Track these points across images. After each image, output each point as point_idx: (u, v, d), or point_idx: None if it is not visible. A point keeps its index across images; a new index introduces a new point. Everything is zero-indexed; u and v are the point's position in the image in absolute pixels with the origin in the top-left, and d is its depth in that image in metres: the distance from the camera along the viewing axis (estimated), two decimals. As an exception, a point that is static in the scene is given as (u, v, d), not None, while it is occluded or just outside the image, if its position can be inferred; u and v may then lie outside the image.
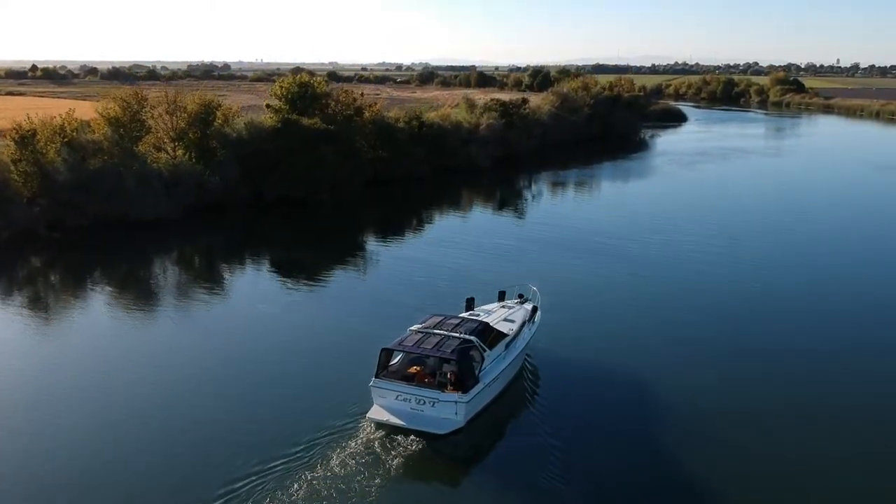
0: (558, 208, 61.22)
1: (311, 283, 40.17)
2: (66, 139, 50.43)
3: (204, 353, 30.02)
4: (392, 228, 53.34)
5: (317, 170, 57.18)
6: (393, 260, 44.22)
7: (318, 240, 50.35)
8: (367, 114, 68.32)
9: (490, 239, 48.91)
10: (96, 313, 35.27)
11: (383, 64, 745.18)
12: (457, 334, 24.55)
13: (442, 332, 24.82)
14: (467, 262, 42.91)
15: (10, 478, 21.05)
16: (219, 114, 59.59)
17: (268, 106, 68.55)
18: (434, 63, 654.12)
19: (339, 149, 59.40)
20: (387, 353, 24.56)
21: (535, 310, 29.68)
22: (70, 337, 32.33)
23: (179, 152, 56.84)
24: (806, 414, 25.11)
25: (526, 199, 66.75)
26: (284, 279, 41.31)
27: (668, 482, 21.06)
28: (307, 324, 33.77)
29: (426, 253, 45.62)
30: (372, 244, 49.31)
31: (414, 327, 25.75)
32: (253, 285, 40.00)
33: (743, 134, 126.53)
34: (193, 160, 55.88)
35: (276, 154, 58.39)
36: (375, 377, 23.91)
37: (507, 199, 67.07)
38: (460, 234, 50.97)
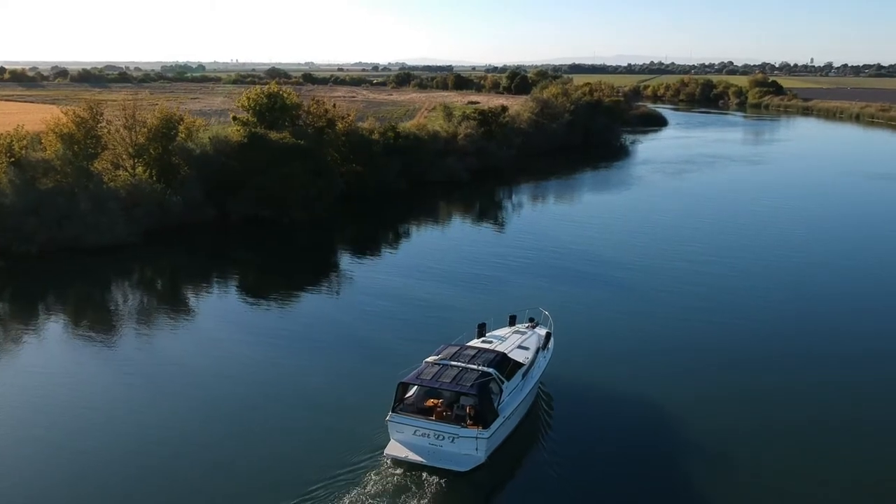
0: (544, 225, 58.21)
1: (294, 311, 37.77)
2: (13, 158, 46.81)
3: (196, 390, 27.98)
4: (372, 249, 50.42)
5: (286, 187, 53.82)
6: (378, 284, 41.54)
7: (292, 264, 47.00)
8: (339, 125, 65.15)
9: (477, 259, 46.46)
10: (51, 351, 32.07)
11: (360, 64, 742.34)
12: (474, 366, 23.84)
13: (459, 363, 24.11)
14: (454, 285, 40.97)
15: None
16: (181, 127, 56.04)
17: (234, 118, 65.18)
18: (411, 63, 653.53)
19: (310, 165, 56.05)
20: (403, 387, 23.85)
21: (548, 336, 28.91)
22: (20, 377, 28.94)
23: (139, 170, 53.35)
24: (827, 435, 25.12)
25: (510, 216, 63.42)
26: (266, 308, 38.25)
27: None
28: (300, 356, 31.26)
29: (411, 277, 42.78)
30: (353, 267, 46.08)
31: (429, 359, 24.93)
32: (230, 316, 36.98)
33: (726, 139, 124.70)
34: (154, 178, 52.46)
35: (242, 171, 54.97)
36: (392, 411, 23.10)
37: (491, 215, 63.98)
38: (444, 254, 48.22)
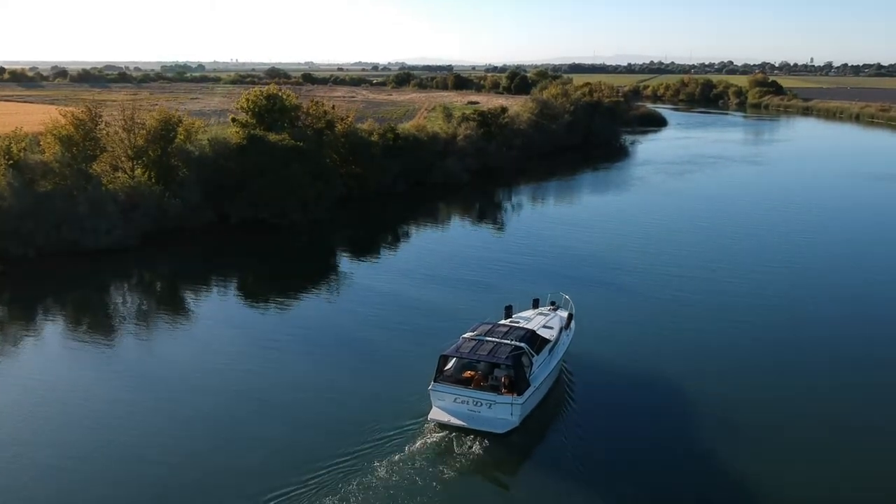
0: (548, 225, 57.83)
1: (312, 308, 38.65)
2: (11, 161, 46.60)
3: (225, 382, 29.35)
4: (375, 250, 50.35)
5: (285, 189, 53.62)
6: (391, 281, 42.34)
7: (298, 265, 47.00)
8: (338, 127, 64.97)
9: (485, 257, 47.04)
10: (49, 355, 31.88)
11: (359, 64, 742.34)
12: (508, 341, 26.54)
13: (493, 339, 26.78)
14: (467, 280, 42.35)
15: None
16: (180, 129, 55.80)
17: (233, 120, 64.99)
18: (410, 63, 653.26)
19: (309, 167, 55.85)
20: (444, 359, 26.56)
21: (570, 317, 31.51)
22: (17, 381, 28.50)
23: (138, 171, 53.14)
24: (845, 424, 26.17)
25: (514, 217, 62.54)
26: (282, 306, 38.49)
27: (696, 481, 22.69)
28: (330, 347, 32.82)
29: (422, 274, 43.62)
30: (360, 267, 46.26)
31: (466, 335, 27.57)
32: (243, 313, 37.93)
33: (726, 139, 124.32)
34: (153, 180, 52.26)
35: (241, 173, 54.77)
36: (434, 381, 25.77)
37: (493, 216, 63.51)
38: (451, 252, 48.85)
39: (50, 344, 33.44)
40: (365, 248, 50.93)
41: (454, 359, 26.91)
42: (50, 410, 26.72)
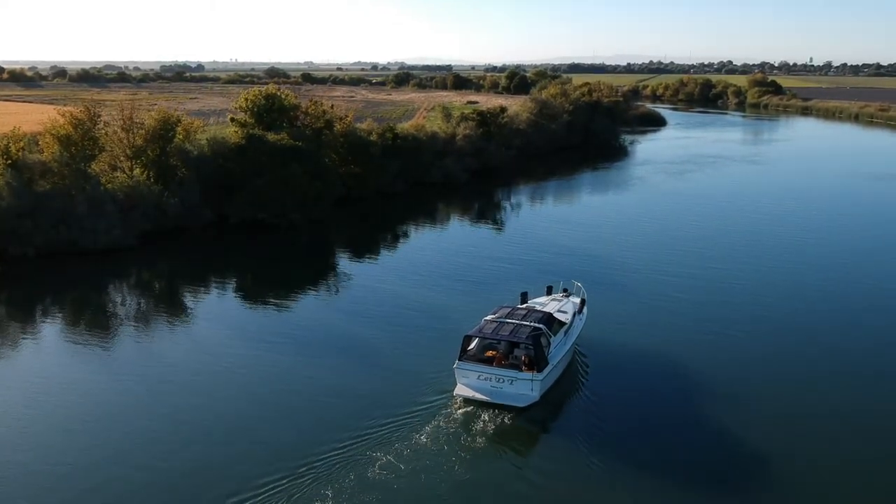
0: (549, 223, 57.93)
1: (325, 304, 39.01)
2: (10, 160, 46.52)
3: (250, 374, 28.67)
4: (376, 250, 50.25)
5: (284, 190, 53.55)
6: (399, 278, 42.69)
7: (300, 265, 46.87)
8: (337, 127, 64.88)
9: (492, 253, 47.06)
10: (48, 355, 31.62)
11: (359, 63, 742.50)
12: (527, 323, 28.21)
13: (514, 321, 28.46)
14: (466, 280, 42.45)
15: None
16: (179, 129, 55.72)
17: (232, 120, 64.92)
18: (410, 62, 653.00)
19: (308, 167, 55.78)
20: (467, 339, 28.30)
21: (582, 302, 33.19)
22: (16, 381, 28.42)
23: (137, 171, 53.04)
24: (854, 410, 27.10)
25: (515, 216, 62.40)
26: (280, 307, 37.96)
27: (705, 455, 24.02)
28: (353, 339, 33.07)
29: (429, 271, 44.14)
30: (363, 265, 46.37)
31: (488, 317, 29.47)
32: (253, 311, 38.09)
33: (726, 139, 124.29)
34: (152, 180, 52.17)
35: (240, 173, 54.70)
36: (459, 360, 27.50)
37: (493, 216, 63.45)
38: (451, 254, 48.39)
39: (48, 344, 33.36)
40: (366, 248, 50.89)
41: (477, 339, 28.57)
42: (47, 410, 26.65)
